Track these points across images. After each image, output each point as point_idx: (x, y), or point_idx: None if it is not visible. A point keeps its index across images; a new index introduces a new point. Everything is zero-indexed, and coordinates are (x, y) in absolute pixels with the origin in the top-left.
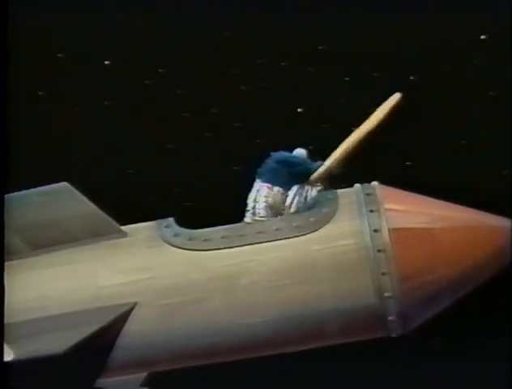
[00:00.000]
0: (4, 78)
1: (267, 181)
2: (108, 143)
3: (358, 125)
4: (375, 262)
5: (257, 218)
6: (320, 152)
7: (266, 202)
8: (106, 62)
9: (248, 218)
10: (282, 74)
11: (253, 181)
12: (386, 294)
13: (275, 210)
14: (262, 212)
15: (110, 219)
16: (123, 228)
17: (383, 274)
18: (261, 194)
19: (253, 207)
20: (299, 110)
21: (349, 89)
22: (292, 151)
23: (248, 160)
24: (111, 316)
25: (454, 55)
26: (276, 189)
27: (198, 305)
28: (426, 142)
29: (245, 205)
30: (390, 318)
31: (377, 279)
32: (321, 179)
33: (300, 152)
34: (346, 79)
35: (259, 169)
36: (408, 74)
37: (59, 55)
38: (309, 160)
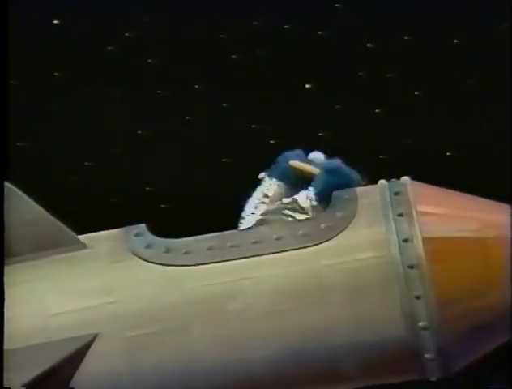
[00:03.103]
0: None
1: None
2: (59, 128)
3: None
4: (405, 281)
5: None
6: (333, 140)
7: (264, 197)
8: (55, 22)
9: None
10: (285, 39)
11: (250, 178)
12: (420, 324)
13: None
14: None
15: (64, 226)
16: (81, 237)
17: (416, 297)
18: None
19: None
20: (307, 86)
21: (372, 59)
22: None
23: (241, 150)
24: (63, 353)
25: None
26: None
27: (176, 336)
28: (471, 127)
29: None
30: (426, 355)
31: (409, 305)
32: None
33: (317, 157)
34: (368, 45)
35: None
36: (450, 37)
37: None
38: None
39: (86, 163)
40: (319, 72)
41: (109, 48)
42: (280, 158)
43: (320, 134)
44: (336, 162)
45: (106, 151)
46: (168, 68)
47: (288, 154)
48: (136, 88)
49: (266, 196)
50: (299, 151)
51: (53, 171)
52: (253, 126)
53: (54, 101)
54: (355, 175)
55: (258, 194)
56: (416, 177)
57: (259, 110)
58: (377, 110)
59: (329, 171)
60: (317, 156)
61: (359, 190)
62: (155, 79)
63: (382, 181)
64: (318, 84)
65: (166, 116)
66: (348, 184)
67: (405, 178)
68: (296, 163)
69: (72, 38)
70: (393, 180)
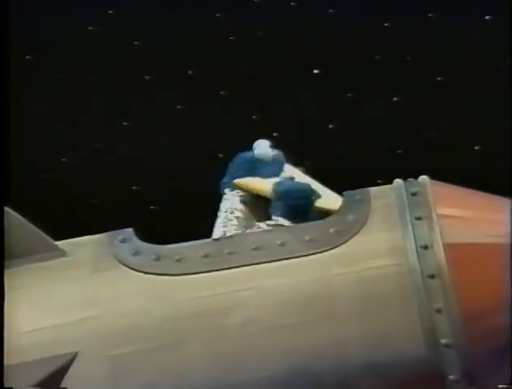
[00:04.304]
0: None
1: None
2: (35, 118)
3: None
4: (425, 293)
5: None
6: (343, 135)
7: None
8: None
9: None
10: (289, 19)
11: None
12: (442, 341)
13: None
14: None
15: (40, 231)
16: (59, 243)
17: (438, 311)
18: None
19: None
20: (315, 72)
21: (389, 40)
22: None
23: (239, 145)
24: (38, 375)
25: None
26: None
27: (167, 355)
28: (503, 116)
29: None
30: (450, 377)
31: (429, 319)
32: None
33: (263, 146)
34: (386, 24)
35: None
36: (481, 13)
37: None
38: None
39: (63, 159)
40: (329, 55)
41: (90, 28)
42: (233, 165)
43: (330, 126)
44: (286, 182)
45: (86, 146)
46: (157, 51)
47: (239, 161)
48: (121, 74)
49: (232, 212)
50: (249, 154)
51: (26, 168)
52: (254, 117)
53: (27, 90)
54: (307, 186)
55: (223, 210)
56: (436, 175)
57: (260, 100)
58: (394, 98)
59: (283, 195)
60: (262, 145)
61: (372, 190)
62: (142, 62)
63: (398, 181)
64: (328, 69)
65: (155, 105)
66: (307, 200)
67: (424, 177)
68: (240, 182)
69: (47, 16)
70: (410, 179)
